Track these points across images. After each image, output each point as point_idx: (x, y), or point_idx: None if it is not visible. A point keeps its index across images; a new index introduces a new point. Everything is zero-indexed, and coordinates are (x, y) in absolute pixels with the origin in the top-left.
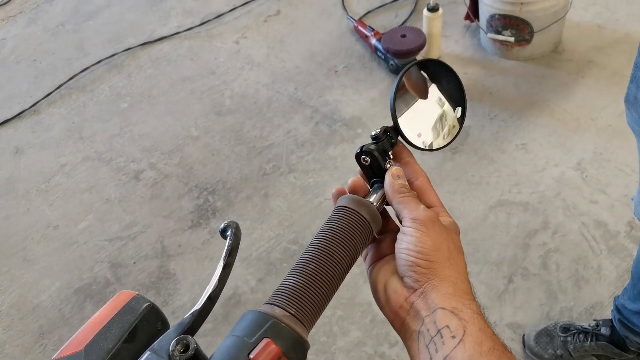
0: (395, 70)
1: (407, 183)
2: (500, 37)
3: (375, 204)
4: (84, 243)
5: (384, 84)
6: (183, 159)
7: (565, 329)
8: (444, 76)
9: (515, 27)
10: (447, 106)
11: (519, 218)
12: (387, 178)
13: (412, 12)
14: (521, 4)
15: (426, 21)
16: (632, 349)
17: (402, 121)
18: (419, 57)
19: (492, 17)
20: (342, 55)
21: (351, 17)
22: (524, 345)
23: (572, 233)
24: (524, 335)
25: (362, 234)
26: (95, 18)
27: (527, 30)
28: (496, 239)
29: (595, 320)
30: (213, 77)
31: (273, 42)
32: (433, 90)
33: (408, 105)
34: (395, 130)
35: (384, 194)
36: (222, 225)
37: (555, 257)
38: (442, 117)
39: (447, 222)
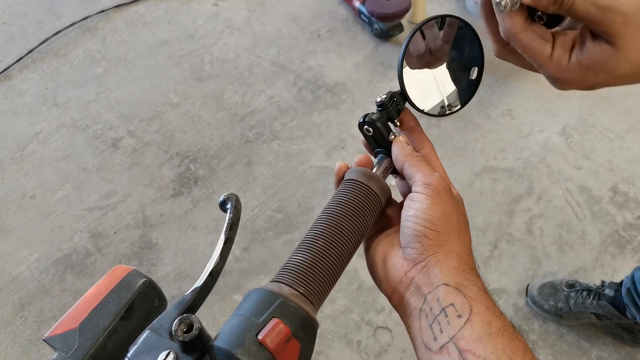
0: (379, 35)
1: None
2: None
3: (381, 176)
4: (62, 213)
5: (368, 48)
6: (163, 126)
7: (571, 285)
8: (457, 34)
9: None
10: (460, 67)
11: (504, 184)
12: (396, 145)
13: None
14: None
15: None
16: (629, 316)
17: (409, 86)
18: (404, 20)
19: None
20: (325, 19)
21: None
22: (527, 294)
23: (556, 198)
24: (528, 285)
25: (372, 208)
26: None
27: None
28: (482, 205)
29: (602, 281)
30: (192, 41)
31: (254, 5)
32: (444, 50)
33: (416, 68)
34: (402, 95)
35: (388, 165)
36: (221, 198)
37: (539, 223)
38: (454, 80)
39: (455, 192)
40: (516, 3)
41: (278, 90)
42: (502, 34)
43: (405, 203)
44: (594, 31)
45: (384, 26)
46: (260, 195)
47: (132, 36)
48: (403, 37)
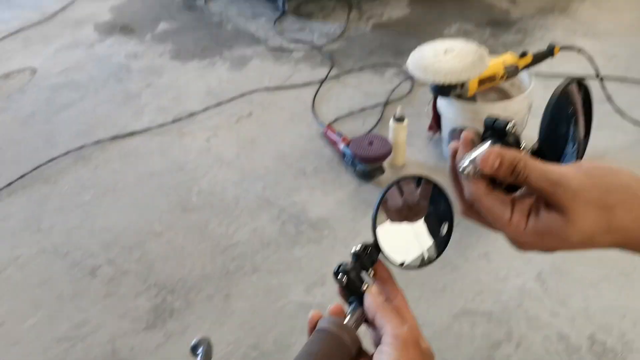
0: (362, 175)
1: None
2: None
3: (352, 325)
4: (29, 343)
5: (350, 186)
6: (143, 255)
7: None
8: (428, 191)
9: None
10: (431, 222)
11: (483, 328)
12: (368, 295)
13: (379, 121)
14: (481, 120)
15: (392, 130)
16: None
17: (383, 238)
18: (385, 164)
19: (453, 130)
20: (311, 158)
21: (321, 123)
22: None
23: (535, 345)
24: None
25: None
26: (67, 110)
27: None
28: (461, 349)
29: None
30: (181, 173)
31: (244, 142)
32: (420, 205)
33: (390, 221)
34: (376, 247)
35: (360, 315)
36: (193, 341)
37: None
38: (426, 233)
39: (425, 347)
40: (478, 171)
41: (262, 223)
42: (466, 197)
43: (374, 356)
44: (547, 202)
45: (366, 168)
46: (237, 330)
47: (124, 166)
48: (384, 179)
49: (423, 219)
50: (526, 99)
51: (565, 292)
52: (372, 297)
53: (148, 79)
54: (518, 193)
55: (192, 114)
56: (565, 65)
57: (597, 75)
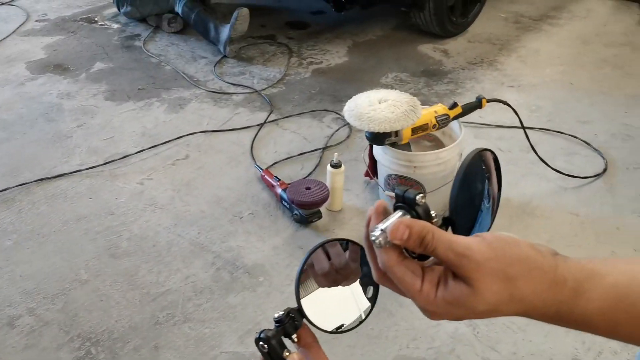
0: (299, 220)
1: None
2: (394, 194)
3: None
4: None
5: (287, 232)
6: (67, 305)
7: None
8: (357, 252)
9: (410, 187)
10: (357, 285)
11: None
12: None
13: (317, 166)
14: (414, 167)
15: (330, 176)
16: None
17: (307, 302)
18: (323, 208)
19: (389, 176)
20: (248, 202)
21: (259, 166)
22: None
23: None
24: None
25: None
26: None
27: (420, 190)
28: None
29: None
30: (111, 217)
31: (179, 186)
32: (347, 267)
33: (315, 284)
34: (300, 312)
35: None
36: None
37: None
38: (351, 297)
39: None
40: (389, 241)
41: (195, 270)
42: (379, 265)
43: None
44: (454, 272)
45: (304, 213)
46: None
47: (50, 210)
48: (321, 224)
49: (358, 280)
50: (457, 148)
51: (496, 337)
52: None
53: (80, 119)
54: (429, 261)
55: (125, 156)
56: (493, 115)
57: (522, 126)
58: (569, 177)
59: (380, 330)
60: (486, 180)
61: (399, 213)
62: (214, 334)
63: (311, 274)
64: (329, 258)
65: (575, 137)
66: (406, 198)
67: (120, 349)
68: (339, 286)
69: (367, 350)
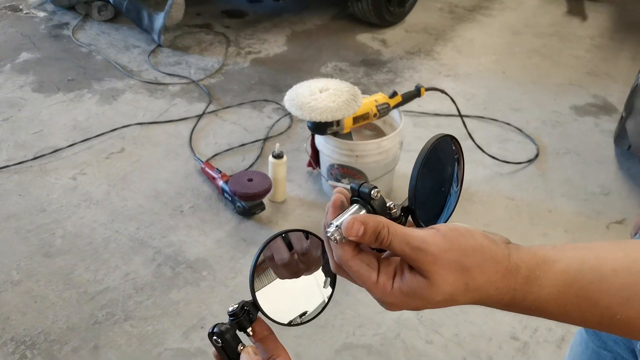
0: (242, 212)
1: None
2: (339, 185)
3: None
4: None
5: (230, 225)
6: None
7: None
8: (314, 244)
9: (352, 176)
10: (313, 276)
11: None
12: (243, 356)
13: (258, 157)
14: (357, 156)
15: (271, 167)
16: None
17: (262, 295)
18: (266, 200)
19: (331, 166)
20: (188, 196)
21: (198, 159)
22: None
23: None
24: None
25: None
26: None
27: (363, 179)
28: None
29: None
30: (43, 214)
31: (115, 180)
32: (304, 259)
33: (270, 276)
34: (254, 305)
35: None
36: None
37: None
38: (313, 285)
39: None
40: (345, 237)
41: (135, 266)
42: (335, 259)
43: None
44: (411, 265)
45: (246, 205)
46: None
47: None
48: (264, 215)
49: (320, 269)
50: (398, 136)
51: (439, 320)
52: (247, 358)
53: (6, 113)
54: (385, 254)
55: (56, 150)
56: (431, 104)
57: (459, 114)
58: (504, 163)
59: (327, 319)
60: (456, 164)
61: (354, 207)
62: (157, 331)
63: (270, 265)
64: (289, 248)
65: (508, 124)
66: (361, 192)
67: (58, 351)
68: (300, 276)
69: (314, 339)
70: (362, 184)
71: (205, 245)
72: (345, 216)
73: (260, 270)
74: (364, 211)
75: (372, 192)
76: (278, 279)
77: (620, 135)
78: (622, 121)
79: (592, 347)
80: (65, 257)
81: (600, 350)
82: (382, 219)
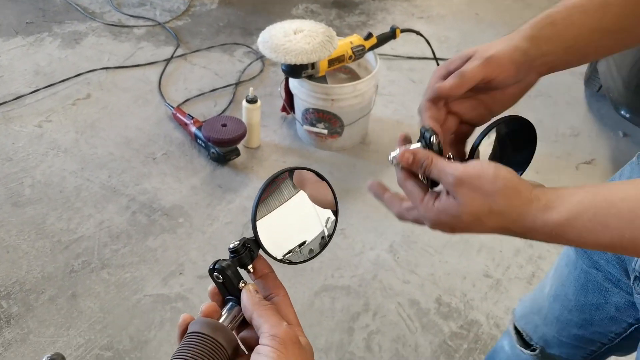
0: (216, 159)
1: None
2: (314, 129)
3: (229, 326)
4: None
5: (205, 171)
6: None
7: None
8: (311, 183)
9: (328, 120)
10: (315, 214)
11: (342, 302)
12: (245, 293)
13: (231, 102)
14: (332, 100)
15: (245, 111)
16: None
17: (263, 232)
18: (240, 145)
19: (306, 110)
20: (160, 142)
21: (169, 104)
22: None
23: (390, 313)
24: None
25: None
26: None
27: (339, 123)
28: (323, 325)
29: None
30: (10, 163)
31: (83, 127)
32: (300, 198)
33: (271, 214)
34: (256, 242)
35: (237, 314)
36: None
37: (377, 339)
38: (309, 227)
39: (304, 342)
40: (399, 163)
41: (109, 214)
42: (397, 180)
43: (252, 357)
44: (447, 190)
45: (221, 151)
46: (86, 331)
47: None
48: (239, 161)
49: (303, 212)
50: (373, 79)
51: (415, 260)
52: (249, 295)
53: None
54: (438, 188)
55: (19, 97)
56: (404, 47)
57: (434, 57)
58: None
59: (306, 263)
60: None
61: (417, 144)
62: (135, 278)
63: (265, 202)
64: (281, 187)
65: None
66: (424, 136)
67: (35, 300)
68: (292, 214)
69: (293, 282)
70: (427, 130)
71: (181, 192)
72: (406, 147)
73: (260, 207)
74: (418, 145)
75: (432, 138)
76: (277, 216)
77: (591, 77)
78: (594, 63)
79: (581, 267)
80: (36, 206)
81: (591, 269)
82: (429, 153)
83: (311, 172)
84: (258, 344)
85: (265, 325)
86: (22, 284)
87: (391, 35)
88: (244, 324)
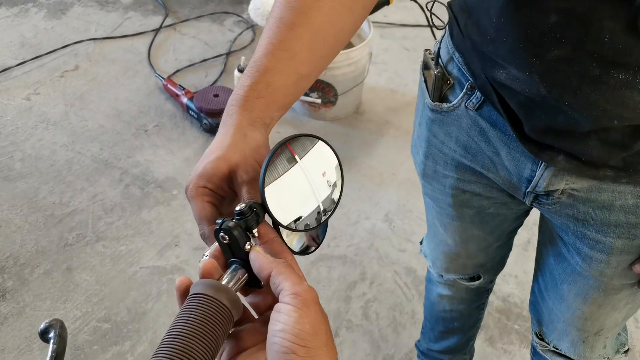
0: (209, 130)
1: None
2: (307, 99)
3: (233, 286)
4: None
5: (198, 143)
6: None
7: None
8: (317, 150)
9: (322, 90)
10: (321, 182)
11: (339, 271)
12: (255, 253)
13: (222, 72)
14: (326, 68)
15: (237, 81)
16: None
17: (270, 197)
18: None
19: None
20: (151, 114)
21: (159, 75)
22: None
23: (387, 282)
24: None
25: (223, 324)
26: None
27: (332, 93)
28: (320, 294)
29: None
30: None
31: (72, 99)
32: (305, 164)
33: (278, 180)
34: (262, 206)
35: (241, 277)
36: (42, 326)
37: (374, 307)
38: (315, 193)
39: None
40: None
41: (102, 187)
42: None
43: (272, 315)
44: None
45: (213, 122)
46: (83, 304)
47: None
48: None
49: (310, 179)
50: (367, 47)
51: (410, 229)
52: (261, 254)
53: None
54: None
55: (5, 69)
56: (397, 15)
57: (429, 24)
58: None
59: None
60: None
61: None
62: (130, 251)
63: (272, 168)
64: (288, 153)
65: None
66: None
67: (30, 274)
68: (299, 181)
69: None
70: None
71: (174, 164)
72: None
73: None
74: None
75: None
76: (284, 182)
77: None
78: None
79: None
80: (27, 180)
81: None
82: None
83: (320, 140)
84: (278, 302)
85: (287, 283)
86: (16, 258)
87: (384, 1)
88: (249, 288)
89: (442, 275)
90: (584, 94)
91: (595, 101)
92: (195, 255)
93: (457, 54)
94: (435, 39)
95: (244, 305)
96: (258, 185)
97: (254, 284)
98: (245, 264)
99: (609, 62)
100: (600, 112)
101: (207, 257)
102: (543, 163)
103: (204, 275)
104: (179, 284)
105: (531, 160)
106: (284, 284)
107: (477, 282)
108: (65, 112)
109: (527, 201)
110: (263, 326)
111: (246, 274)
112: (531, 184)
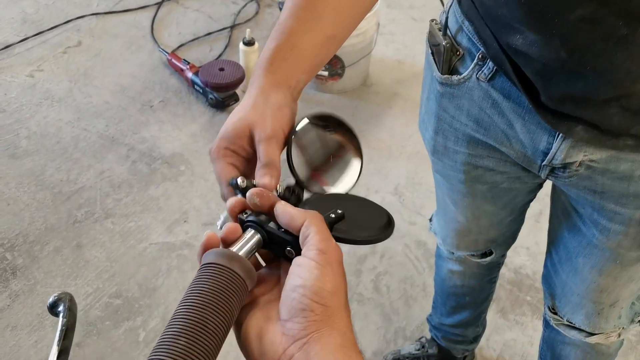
0: (215, 105)
1: None
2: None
3: (247, 255)
4: None
5: (204, 118)
6: None
7: (396, 359)
8: (336, 127)
9: (329, 62)
10: (344, 156)
11: (349, 244)
12: (282, 205)
13: (227, 46)
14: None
15: (243, 55)
16: (459, 356)
17: (300, 173)
18: (239, 90)
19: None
20: (156, 90)
21: (163, 50)
22: None
23: (397, 255)
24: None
25: (238, 294)
26: None
27: (339, 65)
28: None
29: (419, 342)
30: (3, 115)
31: (76, 76)
32: (329, 140)
33: (303, 158)
34: (299, 185)
35: (256, 245)
36: (50, 299)
37: (385, 280)
38: (339, 167)
39: None
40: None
41: (109, 164)
42: None
43: (292, 269)
44: None
45: (219, 96)
46: (94, 280)
47: None
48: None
49: (333, 154)
50: (374, 17)
51: (420, 202)
52: (288, 206)
53: None
54: None
55: (7, 46)
56: None
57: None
58: None
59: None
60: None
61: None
62: (139, 227)
63: (296, 148)
64: (310, 131)
65: None
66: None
67: (39, 252)
68: (323, 156)
69: None
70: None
71: (180, 140)
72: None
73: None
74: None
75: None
76: (309, 157)
77: None
78: None
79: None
80: (34, 157)
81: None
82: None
83: (333, 118)
84: (300, 254)
85: (316, 236)
86: (26, 236)
87: None
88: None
89: (452, 252)
90: (608, 56)
91: (620, 63)
92: (204, 231)
93: (466, 23)
94: (444, 7)
95: (259, 262)
96: (274, 142)
97: (271, 247)
98: (263, 224)
99: (638, 19)
100: (624, 75)
101: (222, 222)
102: (560, 135)
103: (225, 236)
104: (206, 240)
105: (547, 132)
106: (313, 237)
107: (488, 259)
108: (69, 89)
109: (543, 175)
110: (272, 275)
111: (260, 241)
112: (547, 157)
